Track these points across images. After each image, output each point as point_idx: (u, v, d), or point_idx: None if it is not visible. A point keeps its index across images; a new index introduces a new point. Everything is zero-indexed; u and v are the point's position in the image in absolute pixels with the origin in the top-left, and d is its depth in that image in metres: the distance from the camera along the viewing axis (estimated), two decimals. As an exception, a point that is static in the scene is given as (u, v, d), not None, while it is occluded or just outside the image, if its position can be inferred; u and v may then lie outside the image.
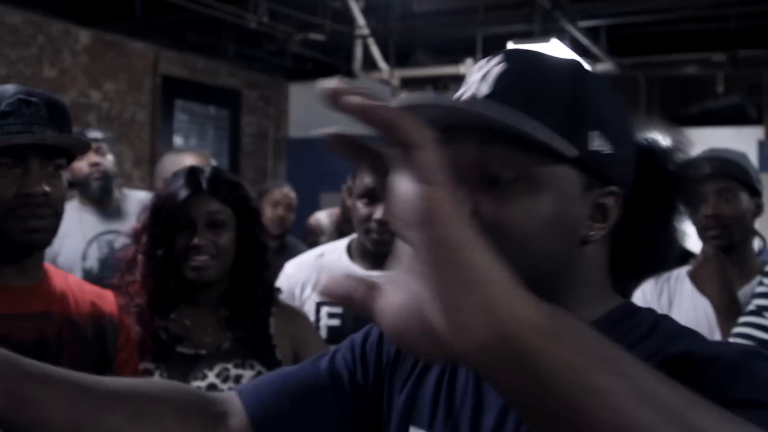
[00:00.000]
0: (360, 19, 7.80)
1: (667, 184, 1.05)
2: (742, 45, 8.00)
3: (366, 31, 8.06)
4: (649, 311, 1.04)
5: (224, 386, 1.95)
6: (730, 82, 9.61)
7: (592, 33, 7.88)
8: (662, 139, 1.08)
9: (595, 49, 8.03)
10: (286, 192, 4.78)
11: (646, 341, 0.96)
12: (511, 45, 7.12)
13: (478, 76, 0.99)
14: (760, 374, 0.82)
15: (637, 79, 9.54)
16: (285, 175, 9.61)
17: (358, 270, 2.43)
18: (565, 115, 0.95)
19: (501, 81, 0.96)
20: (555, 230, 0.95)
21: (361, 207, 2.34)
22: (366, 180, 2.32)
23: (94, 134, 3.93)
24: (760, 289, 2.13)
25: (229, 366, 1.99)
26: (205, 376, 1.97)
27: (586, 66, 1.03)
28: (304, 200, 5.94)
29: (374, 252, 2.38)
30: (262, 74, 9.34)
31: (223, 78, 8.92)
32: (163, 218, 2.02)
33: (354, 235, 2.50)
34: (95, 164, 3.83)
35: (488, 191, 0.95)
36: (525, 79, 0.97)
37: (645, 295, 2.83)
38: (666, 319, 1.02)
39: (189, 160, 3.29)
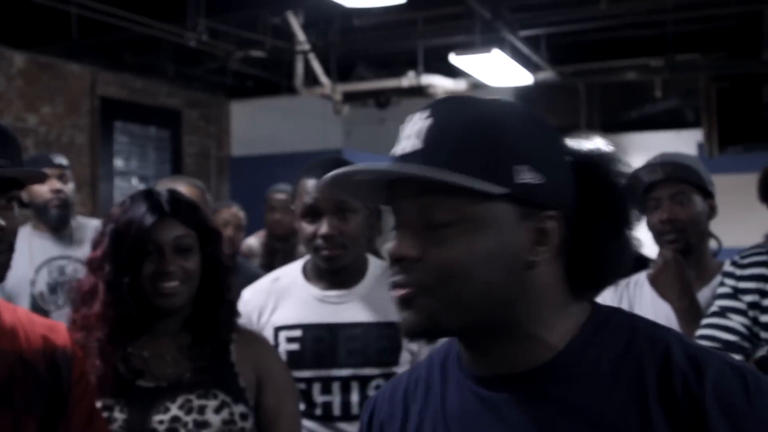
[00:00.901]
0: (300, 35, 7.77)
1: (610, 195, 1.11)
2: (678, 50, 8.13)
3: (307, 46, 8.03)
4: (618, 314, 1.12)
5: (188, 418, 1.90)
6: (668, 87, 9.77)
7: (532, 42, 7.95)
8: (601, 151, 1.15)
9: (535, 58, 8.10)
10: (234, 212, 4.72)
11: (630, 354, 1.04)
12: (453, 56, 7.14)
13: (412, 132, 1.08)
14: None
15: (577, 86, 9.65)
16: (228, 194, 9.51)
17: (314, 291, 2.39)
18: (487, 158, 1.03)
19: (429, 136, 1.06)
20: (498, 261, 1.04)
21: (305, 226, 2.30)
22: (305, 198, 2.28)
23: (59, 160, 3.83)
24: (722, 290, 2.13)
25: (192, 397, 1.94)
26: (167, 410, 1.91)
27: (510, 104, 1.12)
28: (248, 218, 5.90)
29: (328, 270, 2.35)
30: (202, 93, 9.24)
31: (163, 98, 8.81)
32: (128, 245, 1.95)
33: (307, 257, 2.46)
34: (57, 191, 3.75)
35: (431, 237, 1.04)
36: (448, 131, 1.06)
37: (605, 302, 2.82)
38: (637, 320, 1.11)
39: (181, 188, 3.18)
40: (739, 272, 2.11)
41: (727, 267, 2.18)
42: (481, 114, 1.07)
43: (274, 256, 4.71)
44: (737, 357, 1.85)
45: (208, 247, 2.05)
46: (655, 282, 2.49)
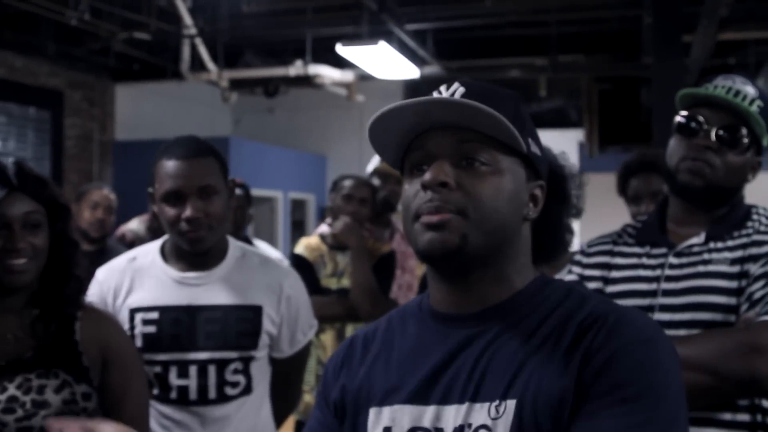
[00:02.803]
0: (187, 19, 7.65)
1: (559, 182, 1.40)
2: (562, 51, 8.33)
3: (193, 30, 7.92)
4: (561, 281, 1.35)
5: (26, 398, 1.85)
6: (552, 87, 9.99)
7: (419, 36, 8.02)
8: (553, 152, 1.43)
9: (421, 52, 8.17)
10: (105, 193, 4.61)
11: (563, 305, 1.25)
12: (339, 47, 7.15)
13: (447, 94, 1.27)
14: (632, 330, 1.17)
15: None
16: (111, 179, 9.32)
17: (173, 272, 2.36)
18: (516, 122, 1.24)
19: (466, 97, 1.23)
20: (512, 205, 1.26)
21: (167, 209, 2.26)
22: (166, 183, 2.25)
23: None
24: (569, 277, 2.20)
25: (32, 376, 1.88)
26: (5, 389, 1.85)
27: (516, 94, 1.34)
28: (131, 205, 5.78)
29: (191, 252, 2.32)
30: (85, 74, 9.01)
31: (44, 78, 8.56)
32: None
33: (166, 237, 2.43)
34: None
35: (465, 170, 1.24)
36: (483, 96, 1.24)
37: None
38: (578, 286, 1.35)
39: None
40: (585, 260, 2.18)
41: (576, 256, 2.25)
42: (504, 93, 1.30)
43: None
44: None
45: (58, 224, 2.00)
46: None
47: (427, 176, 1.23)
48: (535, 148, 1.30)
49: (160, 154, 2.30)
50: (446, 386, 1.23)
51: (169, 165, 2.26)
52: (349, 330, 3.67)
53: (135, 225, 5.05)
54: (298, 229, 10.88)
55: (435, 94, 1.28)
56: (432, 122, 1.26)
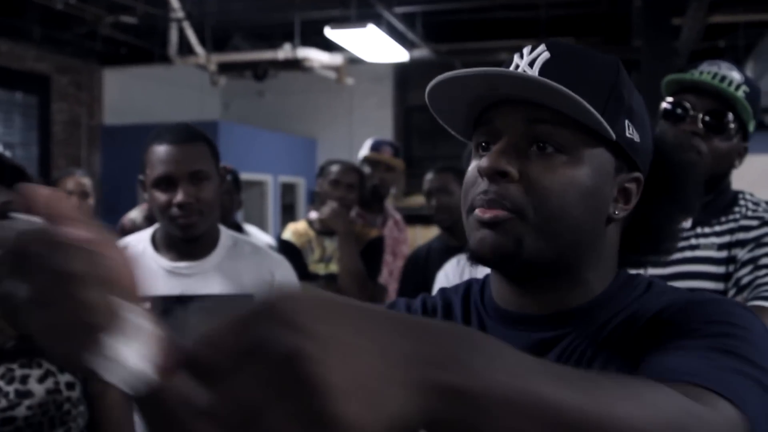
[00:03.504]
0: (174, 2, 7.61)
1: (680, 180, 1.14)
2: (552, 34, 8.31)
3: (181, 14, 7.88)
4: (643, 276, 1.14)
5: (9, 388, 1.84)
6: (541, 69, 9.94)
7: (408, 19, 7.99)
8: (678, 136, 1.21)
9: (411, 35, 8.15)
10: (78, 179, 4.55)
11: (642, 298, 1.07)
12: (328, 30, 7.12)
13: (525, 62, 1.05)
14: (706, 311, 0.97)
15: (454, 64, 9.74)
16: (100, 164, 9.29)
17: (164, 262, 2.34)
18: (606, 101, 1.03)
19: (548, 66, 1.03)
20: (590, 203, 1.04)
21: (158, 195, 2.24)
22: (158, 168, 2.23)
23: None
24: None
25: (14, 366, 1.87)
26: (-14, 379, 1.85)
27: (619, 60, 1.10)
28: (120, 189, 5.76)
29: (182, 239, 2.30)
30: (73, 58, 8.96)
31: (31, 62, 8.50)
32: None
33: (157, 225, 2.41)
34: None
35: (534, 156, 1.02)
36: (570, 66, 1.04)
37: (447, 275, 2.91)
38: (657, 280, 1.13)
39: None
40: None
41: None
42: (600, 60, 1.08)
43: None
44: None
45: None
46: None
47: (485, 162, 1.02)
48: (632, 133, 1.06)
49: (151, 140, 2.28)
50: None
51: (160, 150, 2.24)
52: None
53: (134, 214, 5.03)
54: (288, 213, 10.87)
55: (516, 58, 1.07)
56: (500, 96, 1.05)
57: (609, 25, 8.74)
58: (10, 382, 1.85)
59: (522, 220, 1.01)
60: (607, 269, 1.11)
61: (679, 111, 1.98)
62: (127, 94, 9.87)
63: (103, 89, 9.61)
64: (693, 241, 1.96)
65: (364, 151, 4.08)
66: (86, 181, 4.57)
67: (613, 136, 1.02)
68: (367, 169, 4.00)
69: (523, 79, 1.00)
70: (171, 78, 10.02)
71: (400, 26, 7.80)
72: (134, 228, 4.82)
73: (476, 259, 1.06)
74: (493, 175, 1.02)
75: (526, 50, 1.07)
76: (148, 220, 4.90)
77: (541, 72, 1.03)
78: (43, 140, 8.68)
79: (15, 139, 8.29)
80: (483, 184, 1.03)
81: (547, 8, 7.98)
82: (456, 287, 1.24)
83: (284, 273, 2.48)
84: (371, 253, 3.69)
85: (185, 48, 8.37)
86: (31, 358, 1.90)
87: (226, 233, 2.44)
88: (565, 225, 1.03)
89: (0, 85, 8.17)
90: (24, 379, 1.86)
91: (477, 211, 1.04)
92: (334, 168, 3.81)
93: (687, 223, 1.99)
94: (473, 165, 1.07)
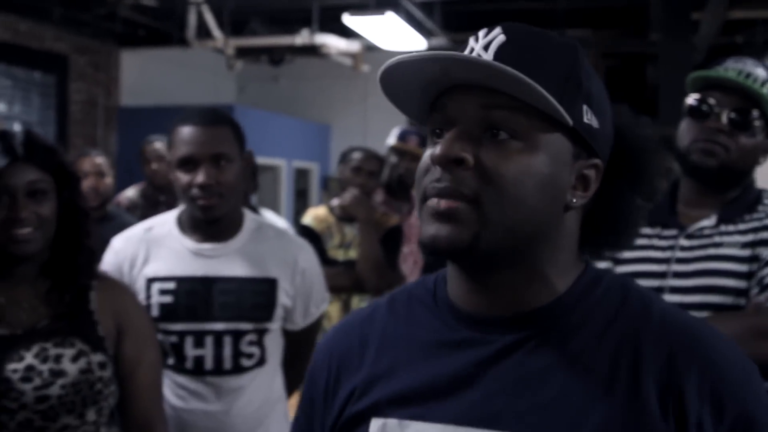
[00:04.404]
0: (194, -15, 7.62)
1: (639, 161, 1.10)
2: (570, 25, 8.29)
3: (200, -3, 7.89)
4: (611, 273, 1.11)
5: (43, 367, 1.87)
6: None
7: (426, 7, 7.98)
8: (635, 116, 1.14)
9: (429, 23, 8.14)
10: (94, 160, 4.56)
11: (622, 314, 1.03)
12: (346, 17, 7.13)
13: (480, 45, 1.02)
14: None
15: (470, 54, 9.71)
16: (116, 145, 9.32)
17: (189, 243, 2.37)
18: (564, 86, 1.00)
19: (503, 50, 1.00)
20: (546, 190, 1.00)
21: (181, 176, 2.27)
22: (181, 149, 2.26)
23: None
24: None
25: (48, 345, 1.90)
26: (22, 358, 1.87)
27: (577, 42, 1.07)
28: (134, 170, 5.77)
29: (204, 220, 2.33)
30: (91, 39, 8.99)
31: (50, 42, 8.53)
32: None
33: (182, 207, 2.44)
34: None
35: (489, 143, 0.99)
36: (526, 49, 1.00)
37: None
38: (627, 280, 1.10)
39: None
40: None
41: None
42: (558, 43, 1.03)
43: (156, 207, 4.63)
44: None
45: (65, 192, 2.00)
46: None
47: (438, 150, 0.99)
48: (591, 119, 1.02)
49: (178, 120, 2.31)
50: (475, 404, 1.02)
51: (185, 131, 2.27)
52: (355, 302, 3.70)
53: (131, 192, 5.06)
54: (302, 198, 10.90)
55: (471, 41, 1.04)
56: (453, 81, 1.01)
57: (627, 17, 8.71)
58: (44, 361, 1.89)
59: (477, 210, 0.98)
60: (567, 262, 1.07)
61: (704, 108, 2.00)
62: (144, 75, 9.90)
63: (120, 70, 9.64)
64: (716, 239, 1.98)
65: (391, 140, 4.09)
66: (102, 161, 4.59)
67: (570, 121, 0.98)
68: (393, 159, 4.00)
69: (476, 64, 0.97)
70: (187, 61, 10.04)
71: (418, 14, 7.80)
72: (131, 205, 4.87)
73: (431, 251, 1.01)
74: (446, 163, 0.98)
75: (481, 33, 1.04)
76: (145, 198, 4.95)
77: (496, 56, 0.99)
78: (61, 120, 8.72)
79: (33, 118, 8.32)
80: (436, 172, 1.00)
81: (566, 0, 7.96)
82: (409, 287, 1.20)
83: (307, 258, 2.51)
84: (390, 240, 3.72)
85: (203, 31, 8.38)
86: (64, 338, 1.93)
87: (250, 217, 2.46)
88: (522, 213, 0.99)
89: (19, 64, 8.20)
90: (58, 359, 1.90)
91: (430, 202, 1.00)
92: (356, 155, 3.84)
93: (711, 221, 2.01)
94: (427, 153, 1.04)
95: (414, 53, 0.99)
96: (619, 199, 1.10)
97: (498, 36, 1.01)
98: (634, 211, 1.12)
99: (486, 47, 1.01)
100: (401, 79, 1.04)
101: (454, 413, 1.02)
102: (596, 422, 0.96)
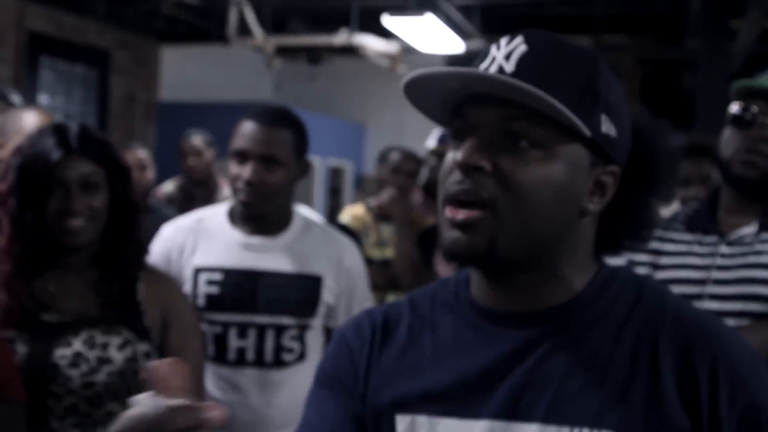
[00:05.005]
0: (236, -16, 7.68)
1: (654, 164, 1.14)
2: (606, 30, 8.26)
3: (242, -4, 7.95)
4: (625, 270, 1.16)
5: (91, 354, 1.91)
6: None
7: (465, 10, 7.99)
8: (652, 120, 1.18)
9: (467, 26, 8.15)
10: (136, 153, 4.63)
11: (638, 309, 1.08)
12: (386, 18, 7.16)
13: (501, 54, 1.06)
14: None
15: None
16: (155, 139, 9.42)
17: (238, 235, 2.41)
18: (582, 96, 1.04)
19: (524, 61, 1.04)
20: (563, 198, 1.05)
21: (232, 166, 2.33)
22: (237, 141, 2.31)
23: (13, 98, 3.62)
24: (617, 261, 2.22)
25: (96, 333, 1.95)
26: (70, 344, 1.92)
27: (596, 51, 1.11)
28: (172, 164, 5.84)
29: (248, 214, 2.38)
30: (133, 35, 9.08)
31: (92, 36, 8.64)
32: (33, 181, 1.95)
33: (233, 201, 2.48)
34: None
35: (508, 151, 1.03)
36: (547, 60, 1.05)
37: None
38: (642, 277, 1.15)
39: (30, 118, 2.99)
40: None
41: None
42: (578, 53, 1.07)
43: (193, 202, 4.69)
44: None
45: (117, 185, 2.04)
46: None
47: (459, 156, 1.04)
48: (609, 127, 1.06)
49: (247, 114, 2.37)
50: (504, 399, 1.05)
51: (246, 125, 2.33)
52: (390, 299, 3.73)
53: (168, 186, 5.13)
54: (335, 197, 10.93)
55: (493, 49, 1.08)
56: (473, 92, 1.06)
57: (664, 24, 8.67)
58: (91, 348, 1.93)
59: (495, 216, 1.03)
60: (584, 262, 1.11)
61: (747, 117, 2.00)
62: (183, 71, 9.98)
63: (160, 66, 9.73)
64: (757, 247, 1.98)
65: (431, 142, 4.12)
66: (144, 155, 4.65)
67: (588, 133, 1.03)
68: (432, 161, 4.03)
69: (495, 81, 1.02)
70: (226, 58, 10.10)
71: (457, 17, 7.81)
72: (168, 199, 4.93)
73: (450, 257, 1.07)
74: (467, 169, 1.03)
75: (503, 41, 1.08)
76: (182, 191, 5.01)
77: (518, 66, 1.04)
78: (101, 113, 8.82)
79: (74, 110, 8.43)
80: (458, 175, 1.05)
81: (603, 6, 7.94)
82: (432, 288, 1.24)
83: (352, 257, 2.54)
84: (426, 240, 3.74)
85: (243, 29, 8.44)
86: (111, 326, 1.97)
87: (299, 215, 2.51)
88: (538, 220, 1.04)
89: (62, 58, 8.31)
90: (105, 346, 1.94)
91: (448, 211, 1.05)
92: (395, 156, 3.87)
93: (752, 229, 2.01)
94: (449, 155, 1.09)
95: (435, 69, 1.04)
96: (635, 201, 1.14)
97: (519, 46, 1.06)
98: (650, 211, 1.16)
99: (507, 56, 1.06)
100: (423, 89, 1.09)
101: (485, 408, 1.06)
102: (620, 413, 1.00)
